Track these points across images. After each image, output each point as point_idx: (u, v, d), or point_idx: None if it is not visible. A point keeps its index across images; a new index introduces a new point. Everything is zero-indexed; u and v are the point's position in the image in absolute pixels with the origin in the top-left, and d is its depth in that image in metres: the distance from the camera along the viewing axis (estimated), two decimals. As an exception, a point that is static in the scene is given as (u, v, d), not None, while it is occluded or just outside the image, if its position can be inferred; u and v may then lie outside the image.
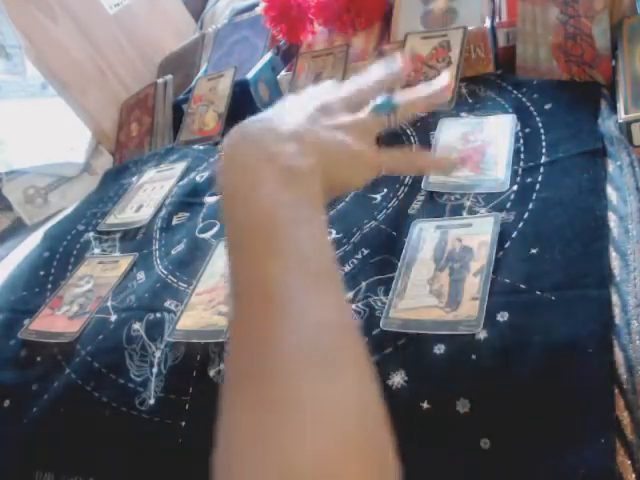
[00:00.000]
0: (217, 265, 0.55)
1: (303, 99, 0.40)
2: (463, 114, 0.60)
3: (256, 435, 0.24)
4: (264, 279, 0.28)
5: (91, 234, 0.72)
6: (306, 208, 0.31)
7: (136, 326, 0.53)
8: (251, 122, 0.37)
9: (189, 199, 0.70)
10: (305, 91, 0.41)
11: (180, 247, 0.61)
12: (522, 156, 0.51)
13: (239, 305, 0.29)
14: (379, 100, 0.41)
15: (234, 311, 0.29)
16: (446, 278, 0.42)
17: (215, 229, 0.62)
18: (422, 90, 0.43)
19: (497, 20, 0.66)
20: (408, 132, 0.62)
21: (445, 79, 0.44)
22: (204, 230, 0.62)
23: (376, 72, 0.42)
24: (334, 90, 0.41)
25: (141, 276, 0.59)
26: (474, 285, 0.40)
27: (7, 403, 0.53)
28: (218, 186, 0.34)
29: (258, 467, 0.23)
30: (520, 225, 0.44)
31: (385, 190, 0.56)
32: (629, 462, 0.29)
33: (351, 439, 0.24)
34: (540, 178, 0.48)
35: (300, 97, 0.40)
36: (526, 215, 0.45)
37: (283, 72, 0.81)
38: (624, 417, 0.31)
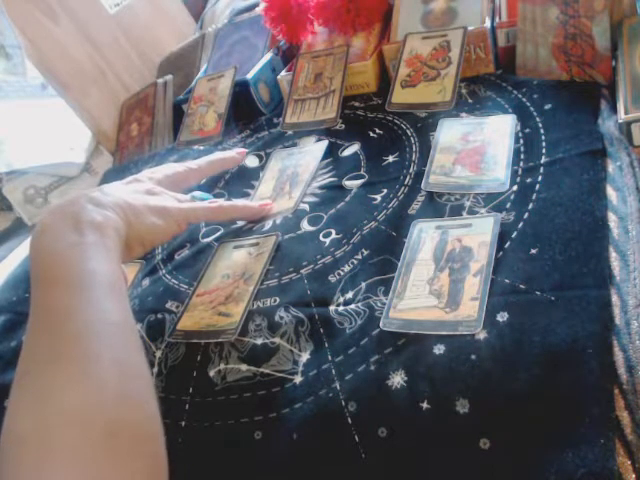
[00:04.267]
0: (218, 266, 0.55)
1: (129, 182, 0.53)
2: (463, 114, 0.60)
3: (30, 417, 0.31)
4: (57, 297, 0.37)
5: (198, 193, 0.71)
6: (98, 248, 0.41)
7: (137, 327, 0.53)
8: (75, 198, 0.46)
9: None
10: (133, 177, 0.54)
11: (184, 252, 0.61)
12: (522, 156, 0.51)
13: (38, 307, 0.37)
14: (197, 194, 0.58)
15: (32, 315, 0.37)
16: (446, 278, 0.42)
17: (218, 233, 0.62)
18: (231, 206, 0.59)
19: (497, 20, 0.66)
20: (408, 133, 0.62)
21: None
22: (208, 234, 0.62)
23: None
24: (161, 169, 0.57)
25: (146, 282, 0.59)
26: (474, 285, 0.40)
27: (7, 403, 0.53)
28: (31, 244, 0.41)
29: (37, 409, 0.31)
30: (520, 225, 0.44)
31: (385, 190, 0.56)
32: (629, 462, 0.29)
33: (114, 418, 0.32)
34: (540, 178, 0.48)
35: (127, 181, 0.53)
36: (526, 215, 0.45)
37: (283, 72, 0.81)
38: (624, 417, 0.31)
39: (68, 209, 0.44)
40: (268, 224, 0.59)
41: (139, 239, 0.48)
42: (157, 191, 0.53)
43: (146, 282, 0.59)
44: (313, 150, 0.67)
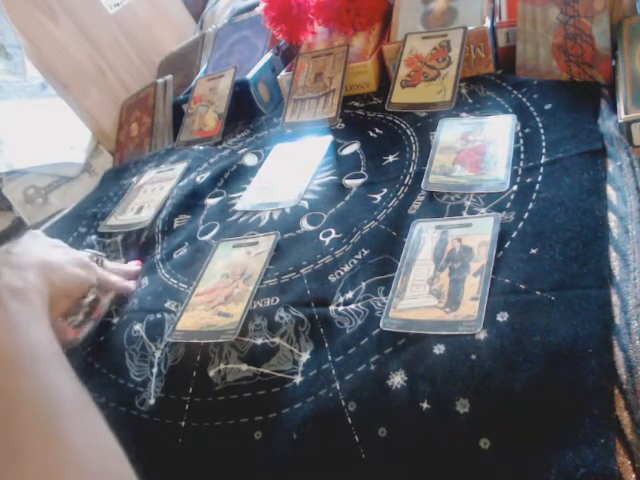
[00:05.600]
0: (217, 265, 0.55)
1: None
2: (463, 114, 0.60)
3: None
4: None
5: (94, 237, 0.72)
6: (26, 317, 0.39)
7: (137, 327, 0.53)
8: None
9: (189, 200, 0.70)
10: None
11: (182, 251, 0.61)
12: (522, 156, 0.51)
13: None
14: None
15: None
16: (446, 278, 0.42)
17: (215, 230, 0.62)
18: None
19: (497, 20, 0.66)
20: (408, 132, 0.62)
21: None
22: (205, 232, 0.62)
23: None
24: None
25: (145, 282, 0.59)
26: (474, 285, 0.40)
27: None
28: None
29: None
30: (520, 225, 0.44)
31: (385, 190, 0.56)
32: (629, 462, 0.29)
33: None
34: (540, 178, 0.48)
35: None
36: (526, 215, 0.45)
37: (283, 72, 0.81)
38: (624, 417, 0.31)
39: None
40: (265, 219, 0.59)
41: (64, 293, 0.47)
42: (61, 244, 0.53)
43: (145, 282, 0.59)
44: (317, 145, 0.67)
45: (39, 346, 0.37)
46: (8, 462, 0.30)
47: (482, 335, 0.37)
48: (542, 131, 0.53)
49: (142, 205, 0.73)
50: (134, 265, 0.62)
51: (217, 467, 0.41)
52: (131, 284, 0.59)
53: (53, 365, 0.36)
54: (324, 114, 0.71)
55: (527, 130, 0.54)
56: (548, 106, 0.55)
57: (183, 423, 0.44)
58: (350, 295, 0.46)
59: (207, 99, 0.85)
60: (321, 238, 0.53)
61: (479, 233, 0.44)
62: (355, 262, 0.49)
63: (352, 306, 0.44)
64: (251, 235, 0.58)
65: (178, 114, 0.91)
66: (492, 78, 0.65)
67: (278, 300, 0.48)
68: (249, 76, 0.80)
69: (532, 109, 0.56)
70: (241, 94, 0.81)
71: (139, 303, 0.56)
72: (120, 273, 0.60)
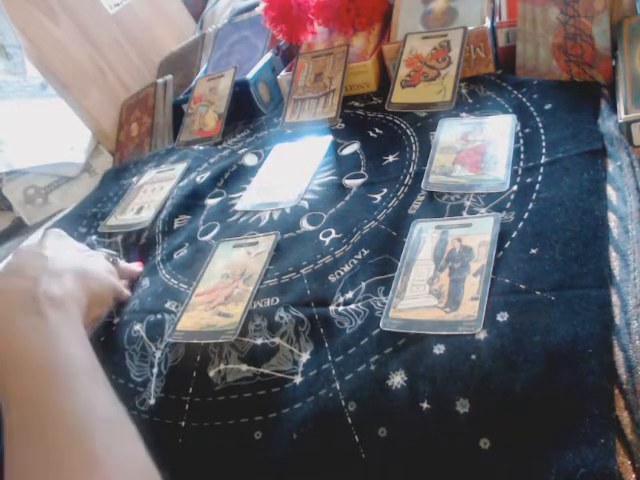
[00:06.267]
0: (217, 266, 0.55)
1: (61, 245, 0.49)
2: (463, 114, 0.60)
3: None
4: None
5: (94, 237, 0.72)
6: (65, 328, 0.38)
7: (137, 327, 0.53)
8: (23, 260, 0.43)
9: (190, 201, 0.70)
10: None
11: (182, 251, 0.61)
12: (522, 156, 0.51)
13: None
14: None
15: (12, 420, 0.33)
16: (446, 278, 0.42)
17: (216, 230, 0.62)
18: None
19: (497, 20, 0.66)
20: (408, 132, 0.62)
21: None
22: (205, 233, 0.62)
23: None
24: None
25: (146, 282, 0.59)
26: (474, 285, 0.40)
27: None
28: None
29: None
30: (520, 225, 0.44)
31: (385, 190, 0.56)
32: (629, 462, 0.29)
33: None
34: (540, 178, 0.48)
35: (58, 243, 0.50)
36: (526, 215, 0.45)
37: (283, 72, 0.81)
38: (624, 417, 0.31)
39: (20, 285, 0.39)
40: (265, 219, 0.59)
41: (99, 300, 0.46)
42: (83, 247, 0.52)
43: (146, 282, 0.59)
44: (317, 145, 0.67)
45: (77, 359, 0.36)
46: (42, 478, 0.30)
47: (482, 335, 0.37)
48: (542, 131, 0.53)
49: (142, 205, 0.73)
50: (137, 266, 0.62)
51: (217, 467, 0.41)
52: (128, 292, 0.58)
53: (91, 380, 0.35)
54: (324, 114, 0.71)
55: (527, 130, 0.54)
56: (548, 106, 0.55)
57: (183, 423, 0.44)
58: (350, 295, 0.46)
59: (207, 99, 0.85)
60: (321, 238, 0.53)
61: (479, 233, 0.44)
62: (355, 262, 0.49)
63: (352, 306, 0.44)
64: (251, 235, 0.58)
65: (178, 114, 0.91)
66: (492, 78, 0.65)
67: (278, 300, 0.48)
68: (249, 76, 0.80)
69: (532, 109, 0.56)
70: (241, 94, 0.81)
71: (140, 303, 0.56)
72: (128, 273, 0.59)
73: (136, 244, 0.68)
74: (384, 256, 0.48)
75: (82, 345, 0.38)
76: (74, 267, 0.44)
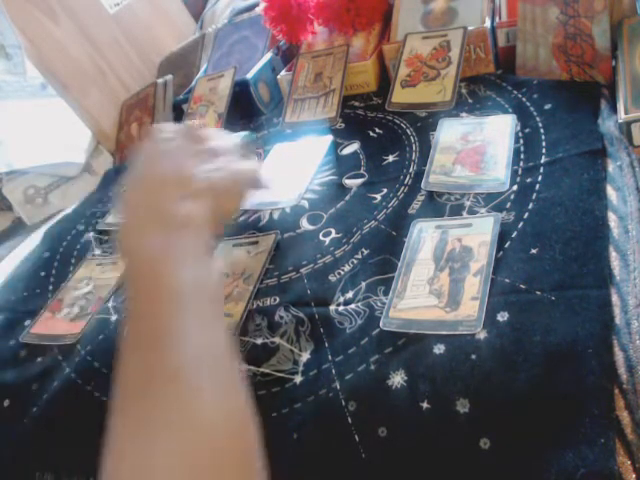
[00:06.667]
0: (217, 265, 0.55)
1: (175, 147, 0.43)
2: (463, 114, 0.60)
3: (132, 461, 0.28)
4: (155, 315, 0.32)
5: (91, 234, 0.72)
6: (194, 251, 0.36)
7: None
8: (149, 169, 0.40)
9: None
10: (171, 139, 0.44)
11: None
12: (522, 156, 0.51)
13: (132, 330, 0.33)
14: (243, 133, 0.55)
15: (129, 334, 0.33)
16: (446, 278, 0.42)
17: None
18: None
19: (497, 20, 0.66)
20: (408, 132, 0.62)
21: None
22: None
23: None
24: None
25: None
26: (474, 285, 0.40)
27: (7, 403, 0.53)
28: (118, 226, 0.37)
29: None
30: (520, 225, 0.44)
31: (385, 190, 0.56)
32: (629, 462, 0.29)
33: (219, 452, 0.28)
34: (540, 178, 0.48)
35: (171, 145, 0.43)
36: (526, 215, 0.45)
37: (283, 72, 0.81)
38: (624, 417, 0.31)
39: (153, 200, 0.37)
40: (265, 218, 0.59)
41: (222, 219, 0.42)
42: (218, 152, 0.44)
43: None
44: (317, 144, 0.67)
45: (205, 288, 0.35)
46: (147, 397, 0.29)
47: (482, 335, 0.37)
48: (542, 131, 0.53)
49: (142, 205, 0.73)
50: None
51: (217, 467, 0.41)
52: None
53: (215, 316, 0.34)
54: (324, 114, 0.71)
55: (527, 130, 0.54)
56: (548, 106, 0.55)
57: (183, 423, 0.44)
58: (350, 295, 0.46)
59: (207, 99, 0.84)
60: (321, 238, 0.53)
61: (479, 233, 0.44)
62: (355, 262, 0.49)
63: (352, 306, 0.44)
64: (251, 234, 0.58)
65: (178, 114, 0.91)
66: (492, 78, 0.64)
67: (278, 300, 0.48)
68: (249, 76, 0.80)
69: (532, 109, 0.56)
70: (241, 94, 0.81)
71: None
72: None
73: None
74: (384, 256, 0.48)
75: (210, 274, 0.36)
76: (205, 184, 0.40)
